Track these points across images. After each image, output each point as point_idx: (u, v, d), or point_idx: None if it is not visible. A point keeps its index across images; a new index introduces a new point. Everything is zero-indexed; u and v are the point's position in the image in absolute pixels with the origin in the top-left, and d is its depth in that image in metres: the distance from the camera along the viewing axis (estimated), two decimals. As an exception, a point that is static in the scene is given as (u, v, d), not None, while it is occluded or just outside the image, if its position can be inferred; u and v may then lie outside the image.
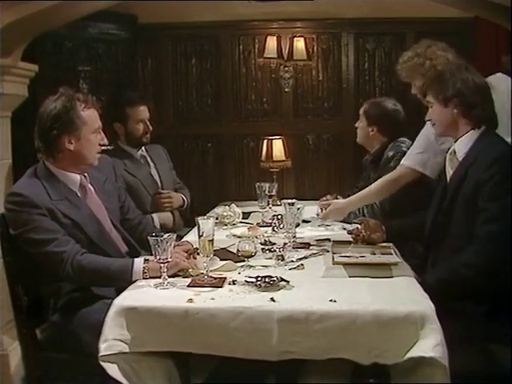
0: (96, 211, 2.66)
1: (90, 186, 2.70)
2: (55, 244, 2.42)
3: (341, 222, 3.47)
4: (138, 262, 2.42)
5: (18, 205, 2.45)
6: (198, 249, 2.50)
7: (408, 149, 3.34)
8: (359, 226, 2.93)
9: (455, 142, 2.62)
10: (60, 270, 2.43)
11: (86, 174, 2.69)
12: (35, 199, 2.44)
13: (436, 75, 2.72)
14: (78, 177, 2.64)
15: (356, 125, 3.75)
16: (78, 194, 2.63)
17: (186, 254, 2.53)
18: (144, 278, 2.39)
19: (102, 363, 2.09)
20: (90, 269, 2.42)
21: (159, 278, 2.34)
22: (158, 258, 2.30)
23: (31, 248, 2.47)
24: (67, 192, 2.58)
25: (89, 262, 2.43)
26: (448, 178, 2.65)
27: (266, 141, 4.70)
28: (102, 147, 2.70)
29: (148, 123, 3.76)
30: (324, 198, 3.52)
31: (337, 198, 3.52)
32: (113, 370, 2.10)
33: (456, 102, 2.54)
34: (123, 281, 2.41)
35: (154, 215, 3.67)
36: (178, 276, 2.42)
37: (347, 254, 2.61)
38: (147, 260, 2.42)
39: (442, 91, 2.57)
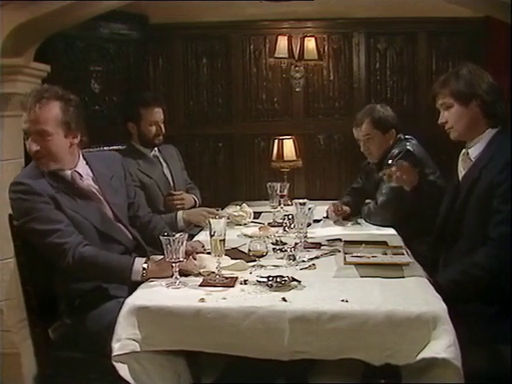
0: (96, 203, 2.65)
1: (85, 181, 2.64)
2: (58, 235, 2.42)
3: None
4: (139, 262, 2.42)
5: (22, 193, 2.45)
6: (195, 249, 2.56)
7: (412, 148, 3.41)
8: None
9: (467, 145, 2.60)
10: (61, 261, 2.42)
11: (78, 171, 2.63)
12: (38, 188, 2.45)
13: (453, 73, 2.64)
14: (67, 173, 2.60)
15: None
16: (75, 186, 2.61)
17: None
18: (142, 280, 2.39)
19: (114, 363, 2.10)
20: (90, 262, 2.42)
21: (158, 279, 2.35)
22: (169, 257, 2.31)
23: (34, 238, 2.46)
24: (65, 184, 2.56)
25: (90, 254, 2.43)
26: (460, 178, 2.63)
27: (276, 141, 4.70)
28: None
29: (161, 125, 3.75)
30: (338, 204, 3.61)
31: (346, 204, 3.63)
32: (124, 370, 2.11)
33: (478, 100, 2.51)
34: (122, 278, 2.43)
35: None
36: (190, 275, 2.43)
37: (359, 254, 2.61)
38: (148, 261, 2.43)
39: (463, 89, 2.53)
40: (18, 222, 2.49)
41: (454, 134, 2.64)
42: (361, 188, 3.90)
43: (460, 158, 2.65)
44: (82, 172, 2.65)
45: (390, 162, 3.41)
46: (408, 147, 3.46)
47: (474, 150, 2.56)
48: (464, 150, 2.63)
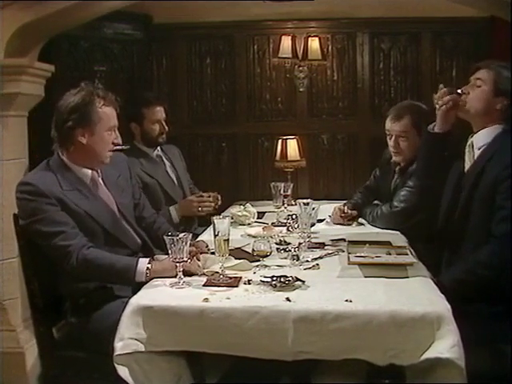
0: (108, 203, 2.68)
1: (101, 181, 2.71)
2: (62, 237, 2.43)
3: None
4: (143, 263, 2.42)
5: (28, 194, 2.47)
6: (199, 250, 2.57)
7: None
8: None
9: (473, 134, 2.60)
10: (65, 263, 2.43)
11: (98, 170, 2.70)
12: (44, 189, 2.46)
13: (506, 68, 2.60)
14: (89, 171, 2.65)
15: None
16: (90, 186, 2.64)
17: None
18: (146, 280, 2.39)
19: (114, 363, 2.09)
20: (94, 264, 2.43)
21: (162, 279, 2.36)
22: (173, 257, 2.30)
23: (39, 239, 2.49)
24: (79, 183, 2.59)
25: (94, 256, 2.44)
26: (465, 168, 2.62)
27: (280, 140, 4.70)
28: (117, 147, 2.70)
29: (164, 124, 3.78)
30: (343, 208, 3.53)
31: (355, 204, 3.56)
32: (124, 371, 2.11)
33: (504, 99, 2.51)
34: (126, 279, 2.43)
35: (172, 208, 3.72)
36: (194, 275, 2.42)
37: (362, 254, 2.60)
38: (152, 261, 2.44)
39: (501, 83, 2.52)
40: (23, 221, 2.51)
41: (471, 111, 2.59)
42: (373, 187, 3.78)
43: (466, 150, 2.64)
44: (99, 172, 2.71)
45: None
46: None
47: (478, 142, 2.56)
48: (469, 142, 2.62)
